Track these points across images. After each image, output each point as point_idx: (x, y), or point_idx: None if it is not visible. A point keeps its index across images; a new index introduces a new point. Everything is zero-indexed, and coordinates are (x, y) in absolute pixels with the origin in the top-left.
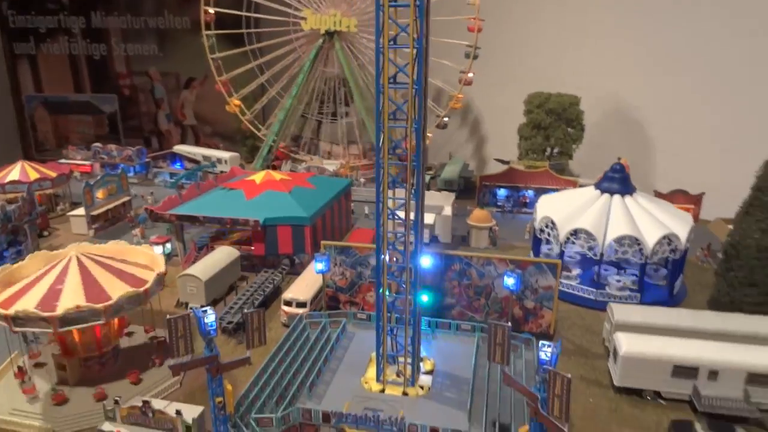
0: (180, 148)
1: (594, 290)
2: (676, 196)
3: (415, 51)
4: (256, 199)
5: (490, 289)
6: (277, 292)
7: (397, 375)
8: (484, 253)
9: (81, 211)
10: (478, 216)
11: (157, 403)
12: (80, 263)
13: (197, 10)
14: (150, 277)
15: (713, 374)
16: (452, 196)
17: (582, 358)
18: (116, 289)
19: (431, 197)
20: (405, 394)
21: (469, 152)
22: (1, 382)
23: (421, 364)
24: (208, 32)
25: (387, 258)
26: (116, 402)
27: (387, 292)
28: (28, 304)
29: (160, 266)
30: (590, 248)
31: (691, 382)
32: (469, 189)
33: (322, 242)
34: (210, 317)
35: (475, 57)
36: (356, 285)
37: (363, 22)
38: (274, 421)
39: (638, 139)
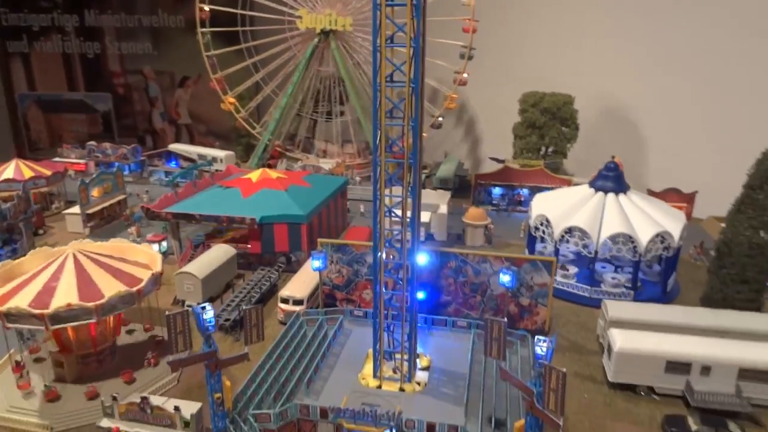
0: (175, 147)
1: (588, 287)
2: (669, 195)
3: (411, 50)
4: (252, 198)
5: (485, 286)
6: (274, 289)
7: (394, 371)
8: (479, 251)
9: (76, 209)
10: (474, 214)
11: (156, 400)
12: (76, 261)
13: (192, 9)
14: (146, 276)
15: (706, 370)
16: (448, 194)
17: (576, 354)
18: (110, 288)
19: (427, 196)
20: (402, 390)
21: (464, 151)
22: None
23: (418, 360)
24: (203, 29)
25: (384, 255)
26: (114, 398)
27: (384, 289)
28: (24, 300)
29: (158, 266)
30: (584, 246)
31: (684, 377)
32: (464, 187)
33: (319, 240)
34: (208, 313)
35: (470, 58)
36: (353, 282)
37: (358, 22)
38: (272, 417)
39: (632, 138)
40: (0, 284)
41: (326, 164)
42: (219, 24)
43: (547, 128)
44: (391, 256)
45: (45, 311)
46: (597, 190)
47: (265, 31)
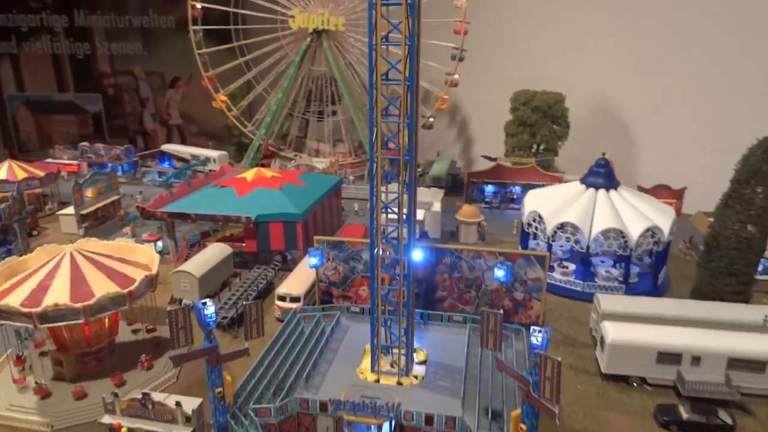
0: (168, 147)
1: (581, 282)
2: (659, 191)
3: (406, 48)
4: (247, 197)
5: (480, 281)
6: (270, 287)
7: (391, 365)
8: (474, 247)
9: (71, 210)
10: (467, 211)
11: (157, 396)
12: (73, 260)
13: (182, 10)
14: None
15: (696, 360)
16: (441, 192)
17: (570, 347)
18: (102, 289)
19: (420, 194)
20: (399, 383)
21: (456, 150)
22: None
23: (415, 354)
24: (195, 27)
25: (381, 251)
26: (116, 395)
27: (381, 285)
28: (19, 297)
29: (154, 267)
30: (576, 241)
31: (675, 367)
32: (456, 186)
33: (316, 237)
34: (209, 309)
35: (461, 59)
36: (349, 279)
37: (351, 22)
38: (272, 411)
39: (622, 135)
40: (2, 280)
41: (320, 163)
42: (211, 22)
43: (539, 126)
44: (388, 252)
45: (33, 310)
46: (588, 186)
47: (257, 30)
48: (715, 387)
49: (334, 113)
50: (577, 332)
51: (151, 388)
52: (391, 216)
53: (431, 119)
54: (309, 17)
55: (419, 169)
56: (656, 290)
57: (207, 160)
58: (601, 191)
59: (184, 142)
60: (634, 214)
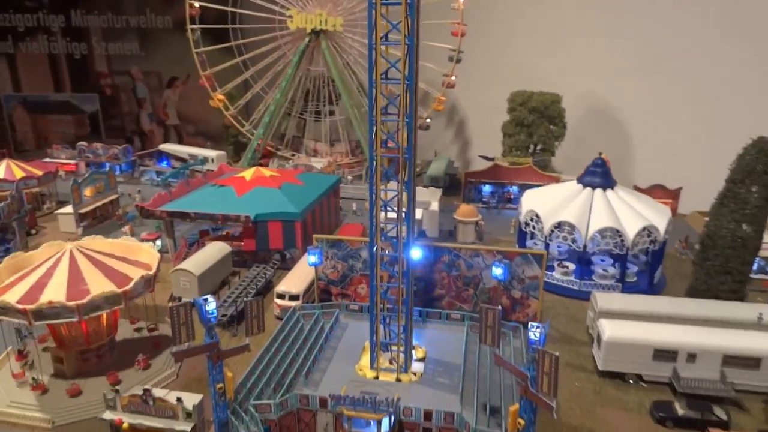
0: (166, 147)
1: (578, 281)
2: (655, 191)
3: (406, 47)
4: (246, 196)
5: (478, 279)
6: (269, 286)
7: (390, 362)
8: (472, 245)
9: (69, 209)
10: (465, 211)
11: (158, 392)
12: (72, 258)
13: (179, 9)
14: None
15: (692, 357)
16: (439, 191)
17: (567, 345)
18: (98, 288)
19: (418, 193)
20: (398, 380)
21: (454, 150)
22: None
23: (414, 352)
24: (193, 26)
25: (380, 248)
26: (117, 391)
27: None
28: (17, 293)
29: (153, 267)
30: (573, 240)
31: (671, 364)
32: (454, 185)
33: (315, 236)
34: (211, 305)
35: (458, 61)
36: (348, 277)
37: (349, 22)
38: (272, 407)
39: (618, 136)
40: (7, 274)
41: (318, 163)
42: (209, 21)
43: (536, 127)
44: (386, 251)
45: (28, 307)
46: (585, 186)
47: (254, 30)
48: (710, 384)
49: (331, 113)
50: (575, 330)
51: (151, 386)
52: (390, 214)
53: (428, 120)
54: (307, 17)
55: (417, 169)
56: (652, 289)
57: (205, 159)
58: (598, 190)
59: (181, 142)
60: (631, 214)
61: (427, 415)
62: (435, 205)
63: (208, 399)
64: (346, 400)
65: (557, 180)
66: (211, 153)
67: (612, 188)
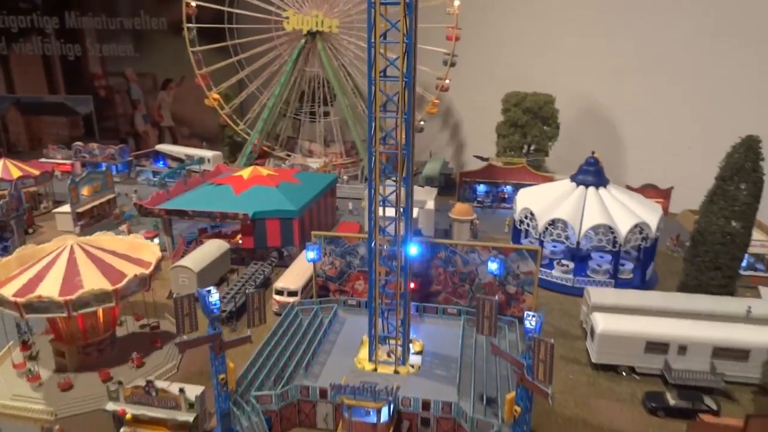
0: (163, 147)
1: (571, 277)
2: (647, 191)
3: (404, 46)
4: (244, 194)
5: (474, 275)
6: (267, 283)
7: (388, 355)
8: (468, 242)
9: (66, 207)
10: (460, 209)
11: (160, 383)
12: (71, 253)
13: (174, 11)
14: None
15: (682, 349)
16: (434, 190)
17: (561, 339)
18: (92, 284)
19: (414, 192)
20: (396, 372)
21: (449, 152)
22: None
23: (411, 345)
24: (190, 25)
25: (378, 243)
26: (119, 383)
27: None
28: (17, 285)
29: (152, 266)
30: (567, 237)
31: (663, 357)
32: (449, 185)
33: (313, 232)
34: (214, 296)
35: (453, 64)
36: (345, 274)
37: (344, 24)
38: (273, 398)
39: (610, 136)
40: (17, 266)
41: (314, 163)
42: (204, 21)
43: (529, 127)
44: (385, 246)
45: (19, 300)
46: (578, 184)
47: (251, 30)
48: (700, 375)
49: (326, 114)
50: (569, 325)
51: (156, 376)
52: (388, 211)
53: (422, 122)
54: (303, 19)
55: (413, 168)
56: (644, 285)
57: (201, 160)
58: (591, 189)
59: (175, 144)
60: (623, 211)
61: (425, 405)
62: (431, 204)
63: (210, 390)
64: (347, 389)
65: (551, 180)
66: (207, 153)
67: (605, 186)
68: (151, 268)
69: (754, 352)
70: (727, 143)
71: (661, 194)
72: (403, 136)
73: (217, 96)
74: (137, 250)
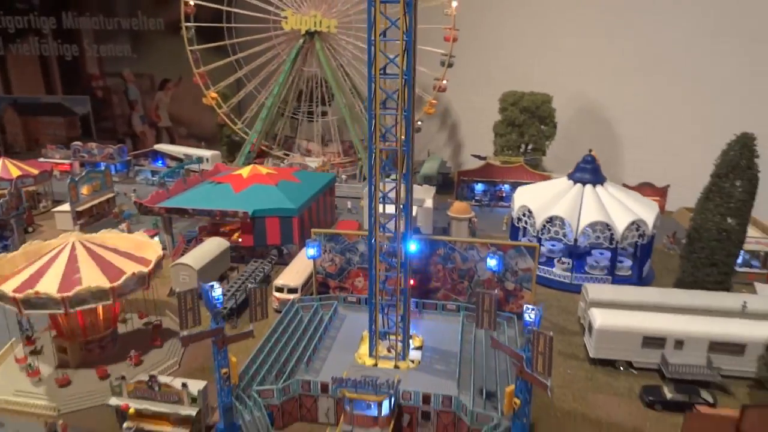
0: (162, 147)
1: (569, 274)
2: (644, 189)
3: (404, 43)
4: (244, 192)
5: (473, 272)
6: (267, 281)
7: (389, 350)
8: (467, 239)
9: (66, 206)
10: (458, 208)
11: (163, 378)
12: (72, 250)
13: (171, 11)
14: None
15: (679, 344)
16: (433, 189)
17: (559, 335)
18: (91, 281)
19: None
20: (396, 367)
21: (446, 150)
22: (1, 366)
23: (411, 340)
24: (188, 24)
25: (378, 239)
26: (123, 377)
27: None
28: (18, 281)
29: (151, 265)
30: (564, 234)
31: (659, 351)
32: (447, 184)
33: (313, 230)
34: (217, 291)
35: (450, 65)
36: (345, 271)
37: (343, 24)
38: (275, 393)
39: (607, 135)
40: (23, 261)
41: (312, 163)
42: (203, 20)
43: (527, 126)
44: (384, 243)
45: (17, 295)
46: (576, 182)
47: (249, 29)
48: (697, 369)
49: (324, 114)
50: (566, 321)
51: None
52: (388, 208)
53: (419, 122)
54: (302, 19)
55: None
56: (641, 282)
57: (200, 159)
58: (588, 186)
59: (173, 144)
60: (620, 208)
61: (426, 399)
62: (429, 202)
63: (212, 385)
64: (348, 383)
65: (548, 178)
66: (205, 153)
67: (602, 184)
68: (150, 266)
69: (750, 347)
70: (724, 143)
71: (658, 192)
72: (403, 133)
73: (215, 95)
74: (141, 248)
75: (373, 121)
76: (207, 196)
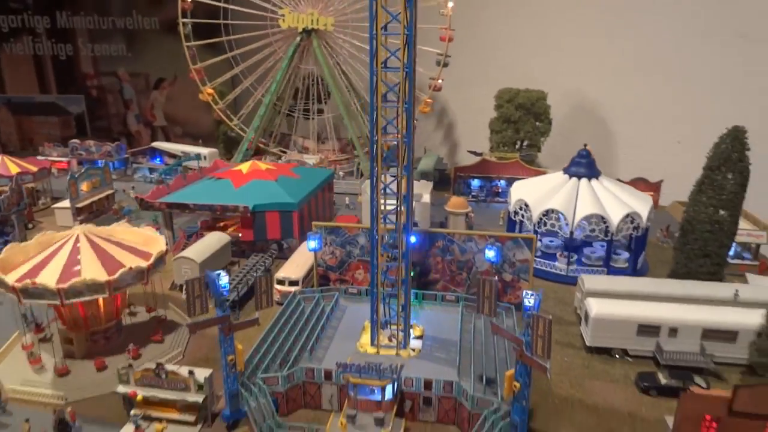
0: (159, 144)
1: (565, 266)
2: (637, 184)
3: (405, 37)
4: (244, 188)
5: (471, 264)
6: (268, 274)
7: (390, 339)
8: (465, 231)
9: (66, 203)
10: (455, 203)
11: (170, 366)
12: (76, 242)
13: (166, 11)
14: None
15: (673, 331)
16: (430, 184)
17: (556, 325)
18: (89, 274)
19: None
20: (398, 356)
21: (443, 148)
22: (8, 356)
23: (411, 330)
24: (185, 20)
25: (380, 230)
26: (130, 365)
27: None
28: (22, 270)
29: (151, 260)
30: (560, 228)
31: (654, 339)
32: (444, 181)
33: (314, 223)
34: (224, 279)
35: (446, 65)
36: (346, 263)
37: (340, 22)
38: (279, 380)
39: (601, 131)
40: (34, 251)
41: (310, 160)
42: (200, 17)
43: (522, 123)
44: (385, 235)
45: (16, 285)
46: (571, 176)
47: (246, 26)
48: (691, 356)
49: (320, 111)
50: (563, 311)
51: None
52: (389, 200)
53: (415, 120)
54: (299, 17)
55: None
56: (635, 274)
57: (198, 156)
58: (583, 180)
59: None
60: (615, 201)
61: (427, 385)
62: (426, 198)
63: (217, 374)
64: (352, 368)
65: (543, 174)
66: (203, 150)
67: (597, 178)
68: (150, 261)
69: (742, 334)
70: (716, 137)
71: (652, 187)
72: (404, 125)
73: (211, 91)
74: (147, 243)
75: (375, 114)
76: (207, 191)
